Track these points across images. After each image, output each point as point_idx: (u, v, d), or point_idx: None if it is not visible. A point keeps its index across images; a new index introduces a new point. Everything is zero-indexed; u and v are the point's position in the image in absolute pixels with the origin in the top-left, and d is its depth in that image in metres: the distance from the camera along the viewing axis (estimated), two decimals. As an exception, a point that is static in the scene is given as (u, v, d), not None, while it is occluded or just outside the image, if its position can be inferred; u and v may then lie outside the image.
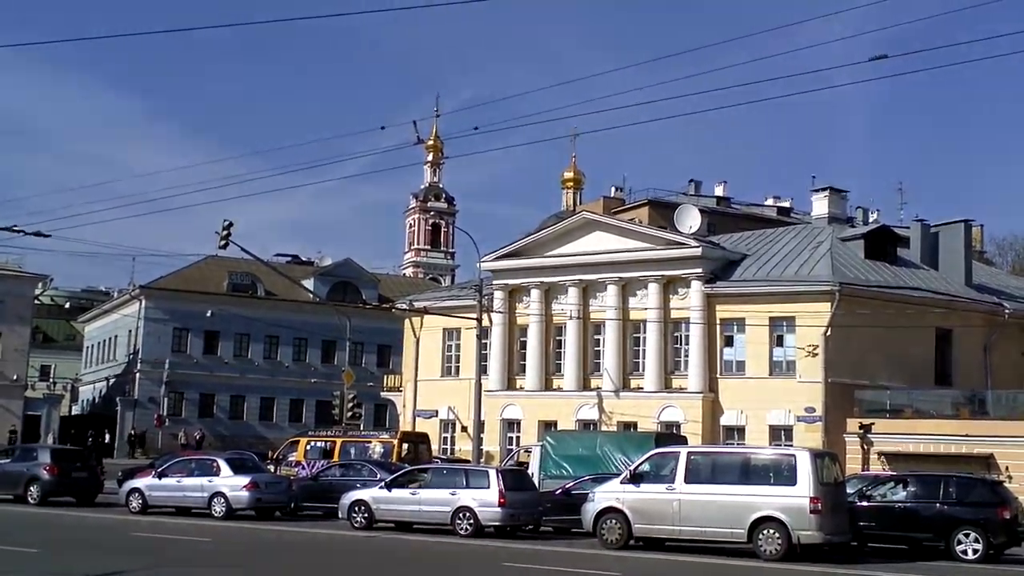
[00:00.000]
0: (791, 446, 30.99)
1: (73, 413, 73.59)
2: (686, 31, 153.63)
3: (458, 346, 46.02)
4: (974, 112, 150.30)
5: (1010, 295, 42.28)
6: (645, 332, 40.57)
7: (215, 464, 27.95)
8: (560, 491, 26.40)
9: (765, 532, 20.05)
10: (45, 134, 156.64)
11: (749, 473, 21.07)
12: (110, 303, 74.36)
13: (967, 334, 39.30)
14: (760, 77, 37.33)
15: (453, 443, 45.71)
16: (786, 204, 68.56)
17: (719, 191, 67.26)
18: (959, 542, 21.25)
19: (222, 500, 26.70)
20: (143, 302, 63.92)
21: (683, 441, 30.76)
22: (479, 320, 38.17)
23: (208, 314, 62.14)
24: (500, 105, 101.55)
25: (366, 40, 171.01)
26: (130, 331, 65.41)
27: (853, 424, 35.02)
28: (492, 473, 24.51)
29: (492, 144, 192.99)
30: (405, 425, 46.11)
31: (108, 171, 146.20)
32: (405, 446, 33.83)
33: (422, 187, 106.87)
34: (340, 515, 25.57)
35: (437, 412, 46.12)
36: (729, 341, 39.21)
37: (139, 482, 28.63)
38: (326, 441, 35.25)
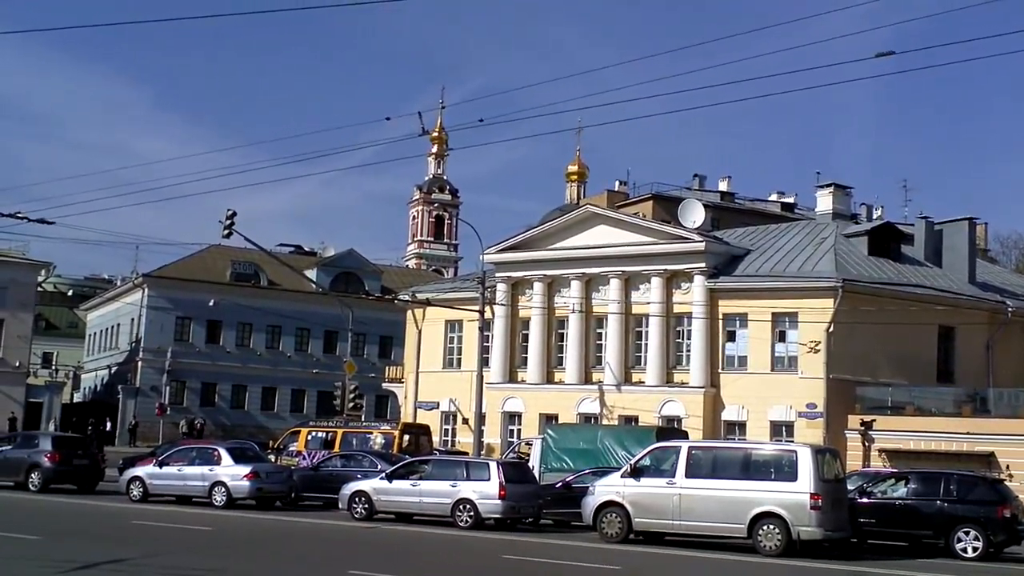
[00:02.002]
0: (792, 442, 31.00)
1: (75, 401, 73.64)
2: (692, 26, 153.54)
3: (460, 338, 46.02)
4: (980, 110, 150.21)
5: (1013, 293, 42.21)
6: (647, 326, 40.60)
7: (216, 453, 27.91)
8: (560, 484, 26.40)
9: (765, 528, 20.06)
10: (49, 122, 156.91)
11: (750, 468, 21.04)
12: (113, 291, 74.41)
13: (970, 332, 39.26)
14: (765, 72, 37.28)
15: (454, 435, 45.78)
16: (790, 200, 68.48)
17: (723, 186, 67.11)
18: (959, 540, 21.26)
19: (223, 489, 26.69)
20: (146, 290, 63.93)
21: (684, 436, 30.80)
22: (481, 312, 38.16)
23: (211, 303, 62.14)
24: (505, 98, 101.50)
25: (372, 32, 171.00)
26: (132, 319, 65.46)
27: (854, 421, 35.03)
28: (493, 465, 24.50)
29: (497, 137, 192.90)
30: (406, 416, 46.16)
31: (113, 159, 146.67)
32: (406, 437, 33.90)
33: (426, 179, 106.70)
34: (340, 505, 25.58)
35: (438, 404, 46.16)
36: (731, 336, 39.22)
37: (140, 470, 28.64)
38: (327, 431, 35.36)
